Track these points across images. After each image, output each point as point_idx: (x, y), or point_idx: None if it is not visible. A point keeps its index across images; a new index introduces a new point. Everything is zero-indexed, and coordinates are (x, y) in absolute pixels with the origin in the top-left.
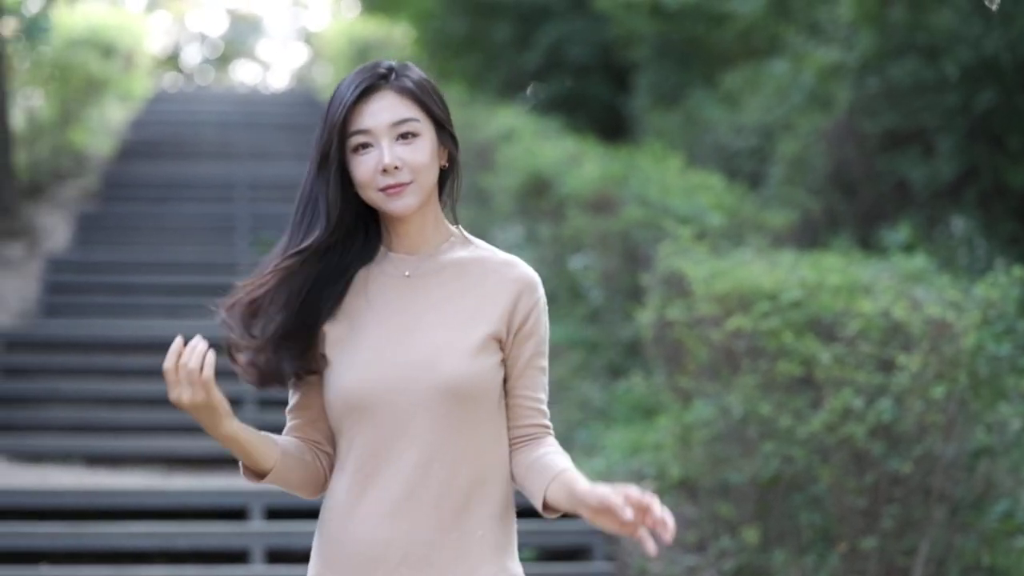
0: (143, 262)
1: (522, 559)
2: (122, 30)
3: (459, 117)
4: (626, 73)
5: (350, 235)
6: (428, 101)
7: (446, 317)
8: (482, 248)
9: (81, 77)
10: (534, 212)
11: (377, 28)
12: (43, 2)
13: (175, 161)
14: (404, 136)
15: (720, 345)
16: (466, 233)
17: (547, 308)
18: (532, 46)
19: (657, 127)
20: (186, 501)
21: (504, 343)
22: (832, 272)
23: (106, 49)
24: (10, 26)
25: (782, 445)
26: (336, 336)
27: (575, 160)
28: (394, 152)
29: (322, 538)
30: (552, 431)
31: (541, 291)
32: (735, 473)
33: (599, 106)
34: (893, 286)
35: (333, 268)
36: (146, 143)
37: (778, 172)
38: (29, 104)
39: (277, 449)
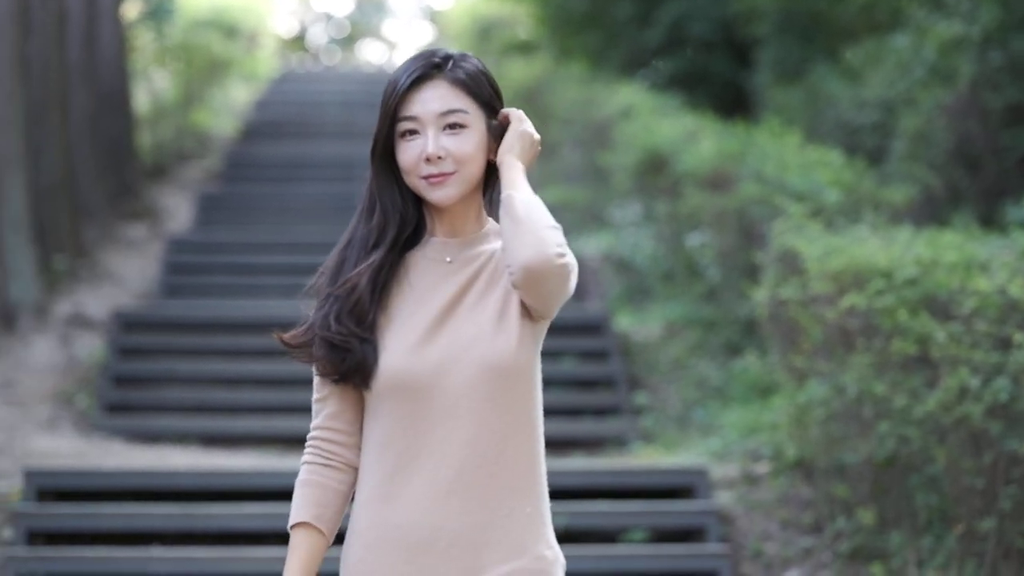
0: (264, 242)
1: (634, 540)
2: (246, 11)
3: (579, 95)
4: (748, 49)
5: (411, 228)
6: (481, 93)
7: (487, 302)
8: None
9: (204, 58)
10: (651, 190)
11: (500, 6)
12: None
13: (298, 141)
14: (452, 127)
15: (834, 324)
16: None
17: (574, 268)
18: (653, 22)
19: (779, 103)
20: None
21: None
22: (949, 249)
23: (229, 30)
24: (135, 8)
25: (897, 425)
26: (380, 321)
27: (693, 137)
28: (439, 142)
29: (361, 522)
30: None
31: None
32: (850, 453)
33: (721, 82)
34: (1010, 263)
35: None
36: (270, 123)
37: (900, 147)
38: (153, 86)
39: (322, 538)
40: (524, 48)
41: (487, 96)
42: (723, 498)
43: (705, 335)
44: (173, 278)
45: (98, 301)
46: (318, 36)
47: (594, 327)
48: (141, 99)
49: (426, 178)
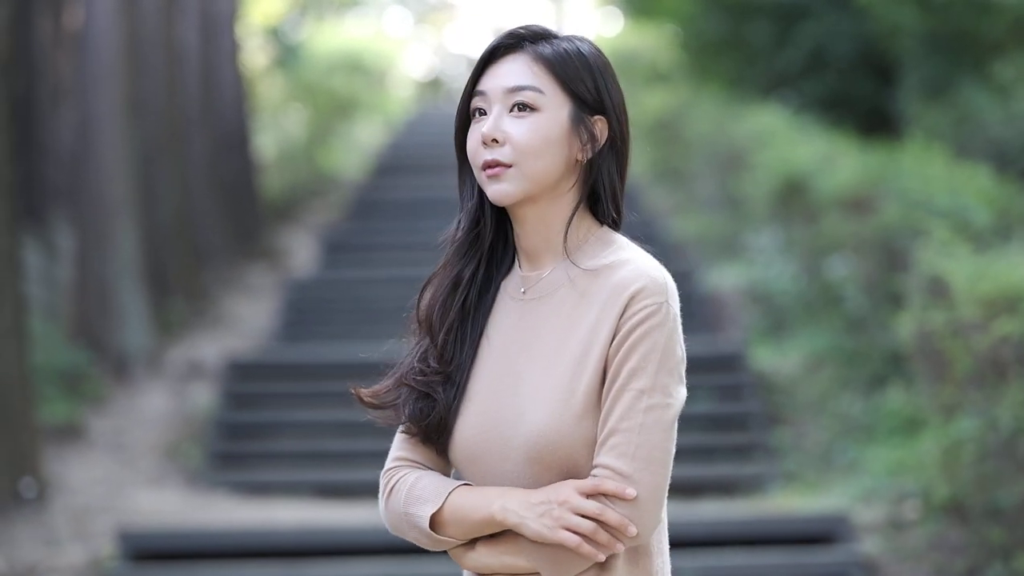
0: (387, 279)
1: None
2: (377, 52)
3: (713, 121)
4: (890, 69)
5: (490, 237)
6: (568, 75)
7: (551, 355)
8: (612, 257)
9: (332, 99)
10: (789, 216)
11: (640, 38)
12: (300, 27)
13: (425, 177)
14: (520, 108)
15: (985, 353)
16: (611, 237)
17: (667, 324)
18: (792, 45)
19: (925, 123)
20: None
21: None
22: None
23: (359, 71)
24: (265, 52)
25: None
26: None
27: (831, 160)
28: (500, 123)
29: None
30: (607, 476)
31: (654, 299)
32: (1006, 494)
33: (864, 104)
34: None
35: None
36: (398, 161)
37: None
38: (281, 128)
39: None
40: (664, 78)
41: (577, 82)
42: (868, 544)
43: (848, 368)
44: (293, 320)
45: (214, 347)
46: (455, 76)
47: (729, 362)
48: (269, 142)
49: (484, 168)
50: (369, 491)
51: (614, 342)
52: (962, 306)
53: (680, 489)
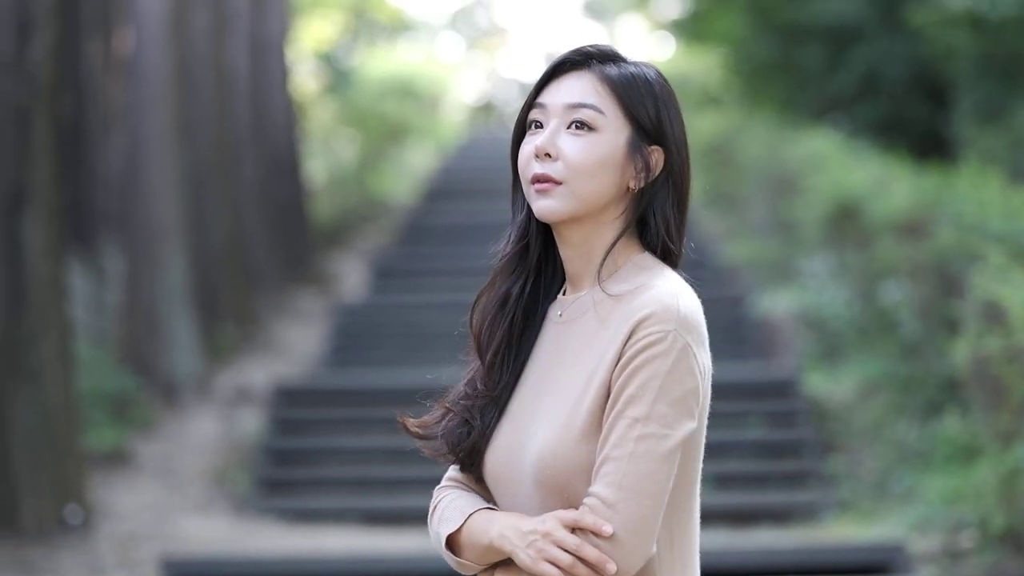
0: (437, 304)
1: None
2: (429, 77)
3: (765, 144)
4: (944, 92)
5: (537, 252)
6: (631, 99)
7: (566, 379)
8: (638, 283)
9: (383, 124)
10: (842, 240)
11: (691, 61)
12: (351, 52)
13: (477, 202)
14: (578, 125)
15: None
16: (647, 263)
17: (672, 353)
18: (845, 68)
19: (980, 146)
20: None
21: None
22: None
23: (411, 96)
24: (317, 77)
25: None
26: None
27: (884, 184)
28: (555, 137)
29: None
30: (594, 504)
31: (661, 327)
32: None
33: (918, 127)
34: None
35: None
36: (449, 186)
37: None
38: (332, 153)
39: None
40: (716, 101)
41: (640, 107)
42: (923, 575)
43: (904, 395)
44: (342, 346)
45: (263, 372)
46: (508, 101)
47: (782, 388)
48: (320, 166)
49: (533, 181)
50: (418, 519)
51: (617, 368)
52: (1019, 332)
53: (732, 517)
